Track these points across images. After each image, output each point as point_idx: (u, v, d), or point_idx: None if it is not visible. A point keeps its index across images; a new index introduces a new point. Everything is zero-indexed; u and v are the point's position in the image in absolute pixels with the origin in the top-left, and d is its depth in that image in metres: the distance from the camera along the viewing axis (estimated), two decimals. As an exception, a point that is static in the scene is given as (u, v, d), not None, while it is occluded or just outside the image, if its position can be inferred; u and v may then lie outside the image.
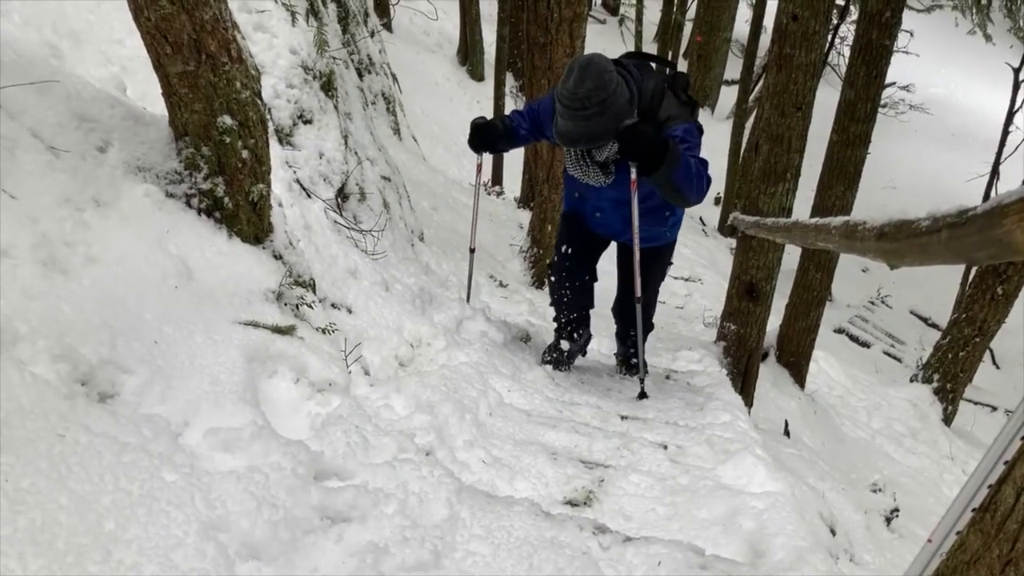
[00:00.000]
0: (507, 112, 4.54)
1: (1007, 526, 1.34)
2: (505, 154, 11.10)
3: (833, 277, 7.18)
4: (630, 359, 4.53)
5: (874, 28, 6.16)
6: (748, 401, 5.67)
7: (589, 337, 4.59)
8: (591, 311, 4.45)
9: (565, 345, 4.37)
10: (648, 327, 4.37)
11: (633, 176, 3.59)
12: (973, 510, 1.25)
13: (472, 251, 4.75)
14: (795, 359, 7.12)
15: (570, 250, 4.22)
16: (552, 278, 4.37)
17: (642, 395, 4.03)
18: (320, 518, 2.02)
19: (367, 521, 2.03)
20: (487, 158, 5.51)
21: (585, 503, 2.58)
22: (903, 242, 1.78)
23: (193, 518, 1.84)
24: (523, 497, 2.38)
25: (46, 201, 2.36)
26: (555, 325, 4.48)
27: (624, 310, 4.38)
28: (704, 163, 3.47)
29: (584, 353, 4.64)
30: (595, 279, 4.34)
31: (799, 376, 7.18)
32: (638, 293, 3.96)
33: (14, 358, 1.94)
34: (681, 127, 3.49)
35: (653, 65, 3.85)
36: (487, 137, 4.12)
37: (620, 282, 4.37)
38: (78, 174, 2.50)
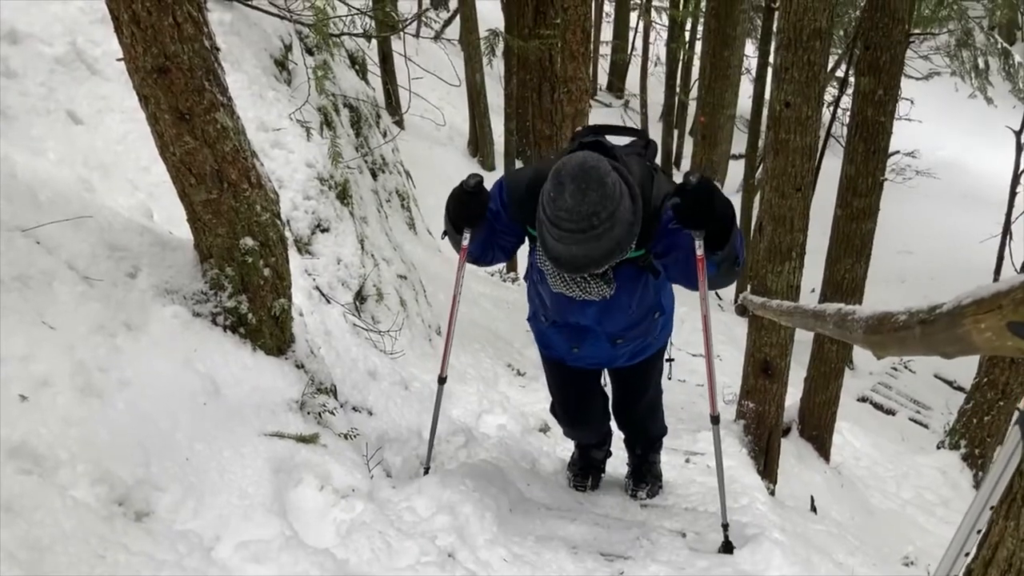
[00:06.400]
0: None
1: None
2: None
3: (852, 347, 7.21)
4: (642, 471, 3.88)
5: (869, 106, 6.35)
6: (772, 478, 5.68)
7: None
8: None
9: (592, 454, 3.91)
10: (661, 430, 3.83)
11: (700, 252, 2.76)
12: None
13: (442, 382, 3.37)
14: (818, 432, 7.11)
15: (563, 401, 3.64)
16: (556, 420, 3.83)
17: (727, 546, 3.07)
18: (348, 626, 2.10)
19: (393, 627, 2.11)
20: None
21: (606, 597, 2.64)
22: (886, 335, 1.88)
23: (227, 633, 1.93)
24: (544, 595, 2.45)
25: (82, 330, 2.51)
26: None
27: (628, 425, 3.78)
28: None
29: (610, 455, 4.10)
30: (604, 403, 3.74)
31: (823, 449, 7.16)
32: (714, 411, 3.14)
33: (56, 484, 2.06)
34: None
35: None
36: (482, 199, 2.98)
37: (619, 399, 3.66)
38: (110, 301, 2.66)
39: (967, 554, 1.35)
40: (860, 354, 12.62)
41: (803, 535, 4.02)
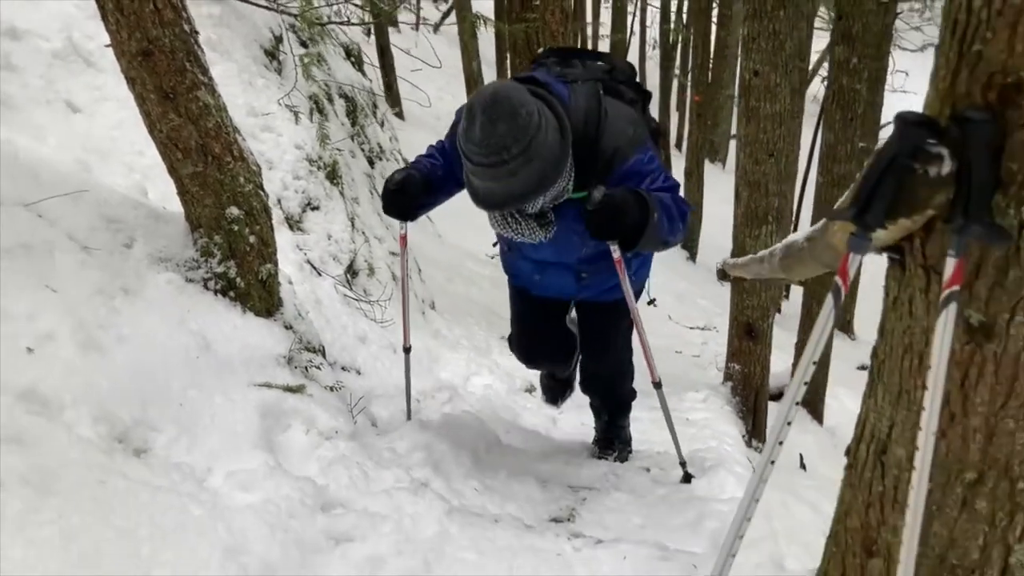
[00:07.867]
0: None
1: (864, 475, 1.66)
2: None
3: (850, 316, 7.38)
4: (610, 436, 3.80)
5: (843, 74, 6.54)
6: (761, 438, 5.88)
7: None
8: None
9: (560, 372, 3.85)
10: (630, 393, 3.73)
11: (616, 255, 2.78)
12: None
13: (407, 351, 3.50)
14: (810, 396, 7.31)
15: (520, 330, 3.59)
16: (511, 349, 3.77)
17: (687, 478, 3.35)
18: (326, 539, 2.34)
19: (367, 539, 2.34)
20: (414, 226, 3.52)
21: (568, 519, 2.87)
22: (791, 257, 2.11)
23: (217, 544, 2.17)
24: (508, 513, 2.68)
25: (82, 293, 2.75)
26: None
27: (593, 383, 3.68)
28: (675, 189, 2.83)
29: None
30: (569, 344, 3.58)
31: (816, 412, 7.36)
32: (655, 378, 3.18)
33: (62, 422, 2.31)
34: (632, 160, 2.75)
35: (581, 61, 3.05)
36: (406, 196, 3.00)
37: (586, 349, 3.54)
38: (108, 268, 2.90)
39: (798, 403, 1.59)
40: (860, 324, 12.77)
41: (789, 487, 4.23)
